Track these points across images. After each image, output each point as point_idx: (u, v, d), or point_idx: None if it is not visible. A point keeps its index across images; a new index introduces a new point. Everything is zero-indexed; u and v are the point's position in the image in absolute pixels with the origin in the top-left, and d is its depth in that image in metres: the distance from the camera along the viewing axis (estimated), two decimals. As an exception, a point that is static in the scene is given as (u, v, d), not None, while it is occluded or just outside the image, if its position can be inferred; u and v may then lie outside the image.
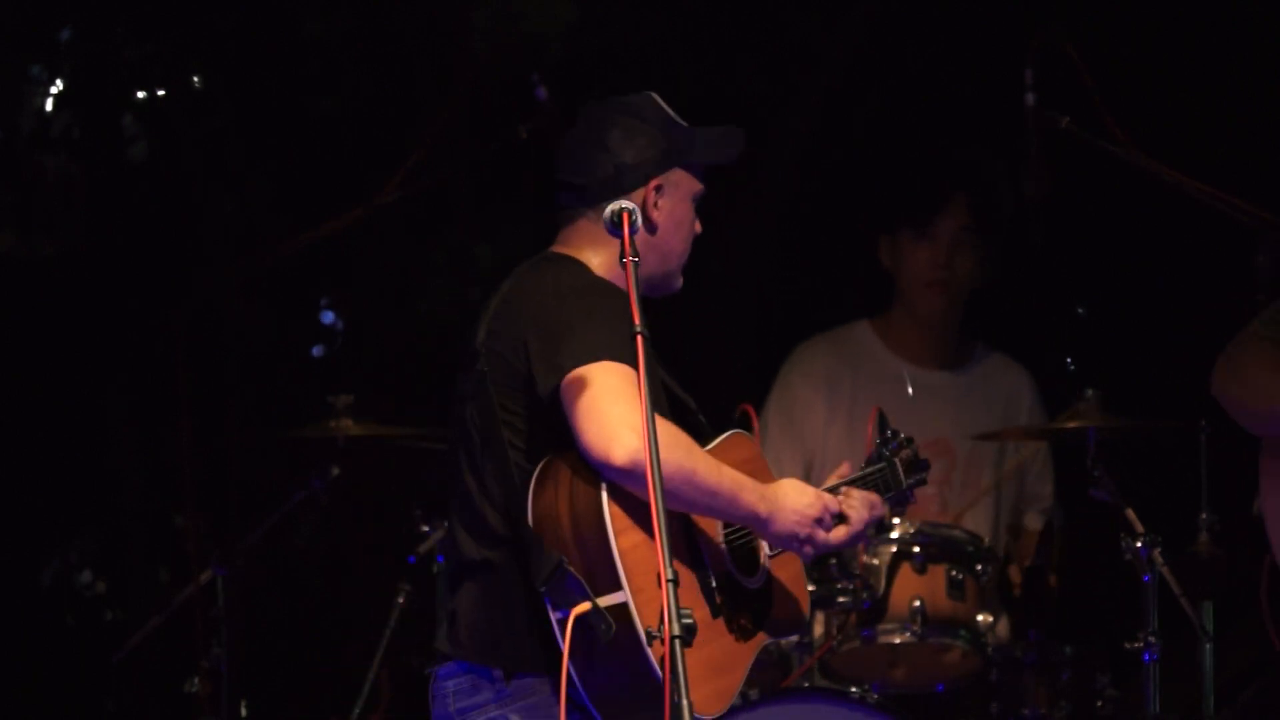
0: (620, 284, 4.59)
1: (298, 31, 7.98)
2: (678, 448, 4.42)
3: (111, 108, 8.32)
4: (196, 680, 6.03)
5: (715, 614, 4.58)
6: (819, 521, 4.64)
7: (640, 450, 4.29)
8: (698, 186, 4.77)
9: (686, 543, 4.57)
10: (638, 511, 4.38)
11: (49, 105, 8.32)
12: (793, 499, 4.62)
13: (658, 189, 4.69)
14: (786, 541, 4.63)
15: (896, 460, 5.05)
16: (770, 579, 4.73)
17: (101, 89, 8.28)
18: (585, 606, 4.31)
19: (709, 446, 4.63)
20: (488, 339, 4.59)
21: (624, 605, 4.32)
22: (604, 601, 4.32)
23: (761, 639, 4.67)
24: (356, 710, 6.59)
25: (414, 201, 6.66)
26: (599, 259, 4.67)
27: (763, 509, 4.56)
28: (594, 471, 4.40)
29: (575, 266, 4.65)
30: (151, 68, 8.28)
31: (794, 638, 4.78)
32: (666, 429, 4.41)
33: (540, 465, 4.47)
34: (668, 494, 4.26)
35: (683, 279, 4.80)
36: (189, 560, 6.13)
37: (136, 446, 8.29)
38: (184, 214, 8.27)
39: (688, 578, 4.53)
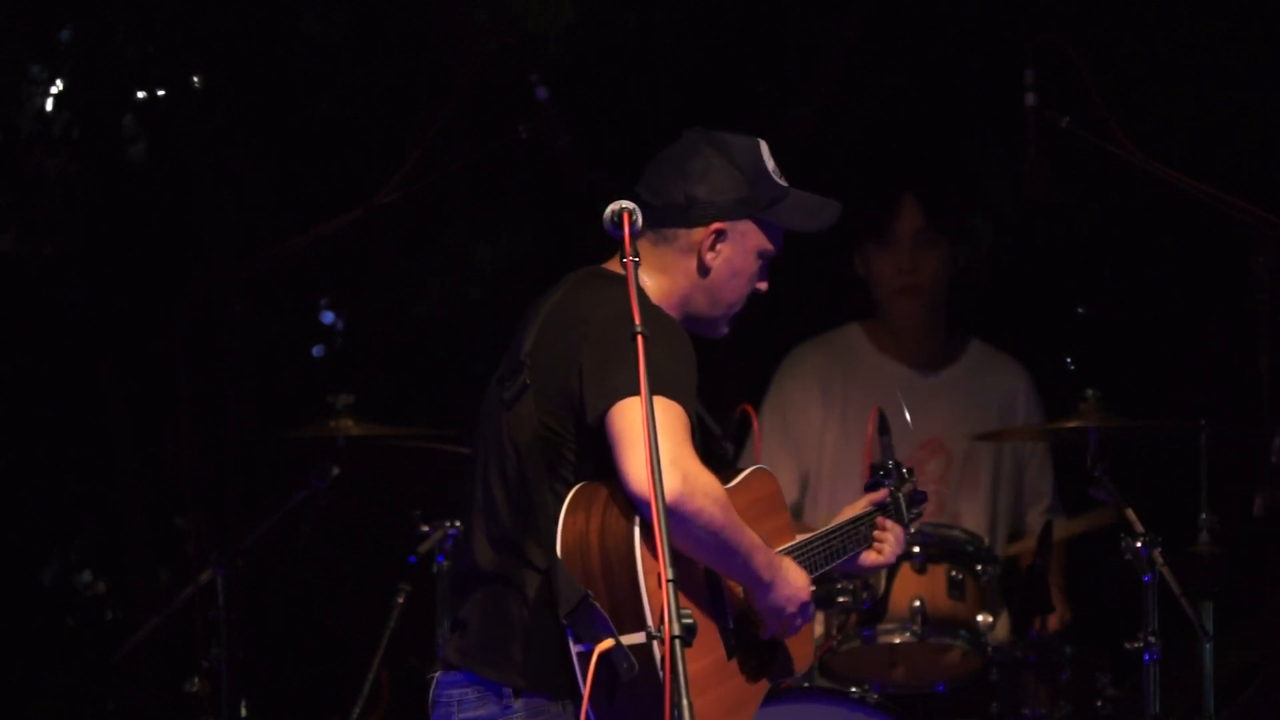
0: (676, 311, 4.59)
1: (297, 31, 7.97)
2: (717, 503, 4.37)
3: (111, 108, 8.31)
4: (196, 680, 6.03)
5: (730, 655, 4.56)
6: (805, 606, 4.63)
7: (682, 491, 4.29)
8: (768, 246, 4.66)
9: (708, 587, 4.54)
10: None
11: (49, 105, 8.31)
12: (793, 576, 4.61)
13: (718, 234, 4.60)
14: (773, 612, 4.60)
15: (900, 494, 5.06)
16: None
17: (101, 89, 8.27)
18: (609, 643, 4.24)
19: (732, 484, 4.61)
20: (534, 351, 4.50)
21: (647, 645, 4.26)
22: (628, 640, 4.26)
23: (765, 684, 4.65)
24: (356, 710, 6.58)
25: (414, 201, 6.66)
26: (654, 282, 4.59)
27: (766, 577, 4.54)
28: (628, 504, 4.34)
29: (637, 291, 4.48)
30: (151, 68, 8.28)
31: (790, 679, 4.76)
32: (712, 482, 4.37)
33: (575, 489, 4.40)
34: (691, 542, 4.34)
35: (728, 329, 4.71)
36: (189, 560, 6.12)
37: (136, 446, 8.29)
38: (184, 214, 8.27)
39: (707, 619, 4.50)
